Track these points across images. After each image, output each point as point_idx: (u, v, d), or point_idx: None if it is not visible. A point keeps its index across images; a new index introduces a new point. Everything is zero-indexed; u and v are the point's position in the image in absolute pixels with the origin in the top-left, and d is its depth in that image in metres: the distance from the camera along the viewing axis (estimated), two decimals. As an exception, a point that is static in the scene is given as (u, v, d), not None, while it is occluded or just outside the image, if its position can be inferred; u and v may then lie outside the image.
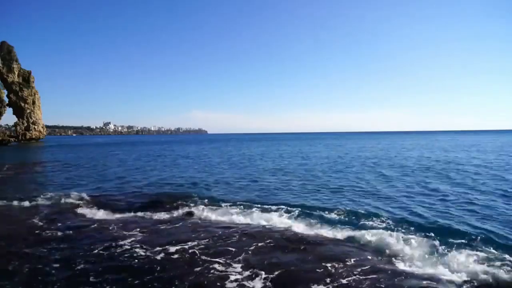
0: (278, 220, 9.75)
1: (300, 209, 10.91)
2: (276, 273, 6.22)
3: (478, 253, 6.92)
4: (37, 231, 8.95)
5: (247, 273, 6.23)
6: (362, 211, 10.48)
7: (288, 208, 11.03)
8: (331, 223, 9.38)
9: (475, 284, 5.70)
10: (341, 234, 8.41)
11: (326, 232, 8.63)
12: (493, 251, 7.04)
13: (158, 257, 7.06)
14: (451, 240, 7.70)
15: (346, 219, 9.76)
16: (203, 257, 7.02)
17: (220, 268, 6.49)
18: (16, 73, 79.96)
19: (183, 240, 8.14)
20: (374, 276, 6.05)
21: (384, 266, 6.51)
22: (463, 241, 7.66)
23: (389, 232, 8.27)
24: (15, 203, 12.49)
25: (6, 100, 79.00)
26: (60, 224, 9.67)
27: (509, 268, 6.18)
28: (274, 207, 11.19)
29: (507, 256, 6.75)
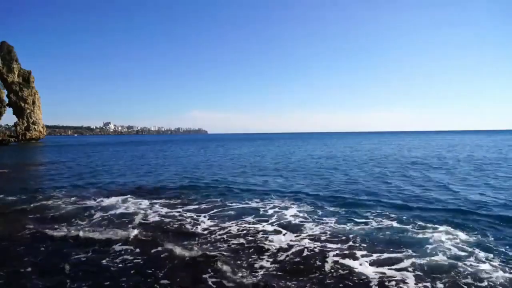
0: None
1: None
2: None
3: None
4: (25, 232, 9.02)
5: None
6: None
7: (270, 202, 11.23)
8: (322, 218, 9.49)
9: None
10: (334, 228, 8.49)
11: (317, 228, 8.69)
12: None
13: (150, 259, 7.15)
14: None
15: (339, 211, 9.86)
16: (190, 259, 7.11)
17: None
18: (16, 73, 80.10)
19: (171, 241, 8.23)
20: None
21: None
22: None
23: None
24: (6, 203, 12.60)
25: (6, 100, 79.19)
26: (47, 225, 9.75)
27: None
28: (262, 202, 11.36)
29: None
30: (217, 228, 9.19)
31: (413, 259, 6.73)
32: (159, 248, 7.58)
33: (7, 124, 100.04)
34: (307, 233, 8.61)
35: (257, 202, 12.30)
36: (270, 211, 10.91)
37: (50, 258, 7.10)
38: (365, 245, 7.63)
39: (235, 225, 9.41)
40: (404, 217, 9.86)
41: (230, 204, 12.01)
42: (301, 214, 10.41)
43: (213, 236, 8.52)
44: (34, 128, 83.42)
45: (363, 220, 9.66)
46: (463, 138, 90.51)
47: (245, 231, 8.84)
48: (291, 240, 8.06)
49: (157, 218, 10.24)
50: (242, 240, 8.15)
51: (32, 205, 12.19)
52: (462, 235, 8.10)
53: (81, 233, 8.75)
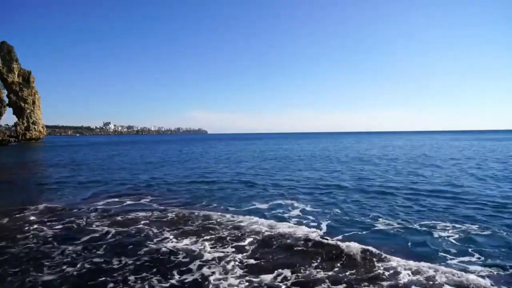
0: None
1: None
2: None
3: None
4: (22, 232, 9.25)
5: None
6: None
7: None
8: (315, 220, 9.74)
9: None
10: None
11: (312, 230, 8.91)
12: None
13: (150, 255, 7.38)
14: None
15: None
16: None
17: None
18: (16, 73, 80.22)
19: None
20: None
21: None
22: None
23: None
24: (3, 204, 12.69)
25: (6, 100, 79.30)
26: (44, 225, 9.97)
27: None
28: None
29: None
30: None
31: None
32: (162, 247, 7.81)
33: (7, 124, 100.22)
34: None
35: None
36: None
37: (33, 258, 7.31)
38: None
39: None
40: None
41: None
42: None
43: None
44: (34, 128, 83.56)
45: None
46: (445, 139, 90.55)
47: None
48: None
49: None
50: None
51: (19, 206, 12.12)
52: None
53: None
